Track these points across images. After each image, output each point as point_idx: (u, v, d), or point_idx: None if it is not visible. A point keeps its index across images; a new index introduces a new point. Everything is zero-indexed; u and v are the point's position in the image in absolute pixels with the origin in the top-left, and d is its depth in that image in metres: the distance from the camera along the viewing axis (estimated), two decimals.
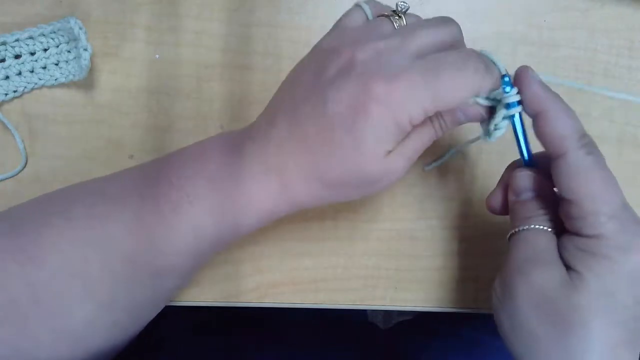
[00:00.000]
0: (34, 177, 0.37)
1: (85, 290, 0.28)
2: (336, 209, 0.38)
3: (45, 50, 0.37)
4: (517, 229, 0.29)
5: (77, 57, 0.36)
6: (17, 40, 0.36)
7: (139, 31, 0.38)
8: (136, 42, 0.38)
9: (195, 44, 0.38)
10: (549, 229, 0.29)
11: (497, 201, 0.32)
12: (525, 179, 0.30)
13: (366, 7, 0.31)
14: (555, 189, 0.29)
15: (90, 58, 0.35)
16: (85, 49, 0.35)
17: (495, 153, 0.39)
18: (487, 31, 0.39)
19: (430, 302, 0.39)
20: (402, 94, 0.26)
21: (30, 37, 0.36)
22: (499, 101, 0.28)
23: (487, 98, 0.28)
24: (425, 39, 0.28)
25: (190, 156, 0.31)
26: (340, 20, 0.31)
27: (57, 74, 0.37)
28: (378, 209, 0.38)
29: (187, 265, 0.30)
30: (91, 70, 0.37)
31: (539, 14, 0.39)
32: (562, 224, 0.28)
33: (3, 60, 0.36)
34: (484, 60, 0.28)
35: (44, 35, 0.36)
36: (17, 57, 0.37)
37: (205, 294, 0.38)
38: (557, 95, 0.28)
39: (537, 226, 0.29)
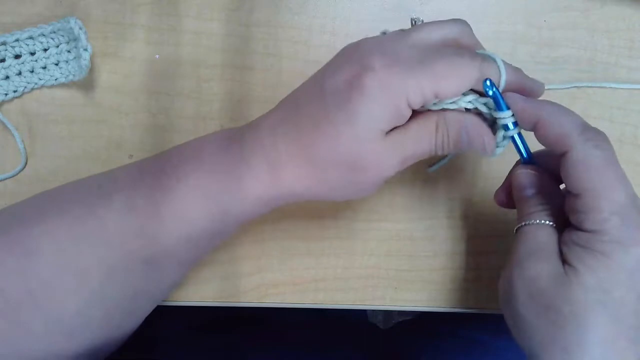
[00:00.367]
0: (34, 177, 0.37)
1: (78, 281, 0.28)
2: (336, 209, 0.38)
3: (45, 50, 0.37)
4: (520, 224, 0.30)
5: (77, 57, 0.36)
6: (17, 40, 0.36)
7: (139, 31, 0.38)
8: (136, 42, 0.38)
9: (195, 44, 0.38)
10: (550, 224, 0.29)
11: (502, 197, 0.32)
12: (524, 177, 0.30)
13: (388, 31, 0.31)
14: (562, 185, 0.30)
15: (90, 58, 0.35)
16: (85, 49, 0.35)
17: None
18: (486, 31, 0.39)
19: (430, 302, 0.39)
20: (399, 70, 0.26)
21: (30, 37, 0.36)
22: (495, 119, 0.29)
23: (488, 109, 0.29)
24: (428, 33, 0.28)
25: (186, 148, 0.31)
26: None
27: (57, 74, 0.37)
28: (378, 209, 0.38)
29: (182, 254, 0.30)
30: (91, 70, 0.37)
31: (539, 13, 0.39)
32: (566, 220, 0.29)
33: (3, 60, 0.36)
34: (482, 55, 0.28)
35: (44, 35, 0.36)
36: (17, 57, 0.37)
37: (205, 294, 0.38)
38: (545, 101, 0.29)
39: (538, 221, 0.29)
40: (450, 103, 0.28)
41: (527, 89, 0.29)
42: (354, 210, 0.38)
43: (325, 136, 0.27)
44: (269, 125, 0.29)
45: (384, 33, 0.31)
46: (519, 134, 0.30)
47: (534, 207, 0.30)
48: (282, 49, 0.38)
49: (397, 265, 0.38)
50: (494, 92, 0.28)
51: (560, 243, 0.28)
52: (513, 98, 0.29)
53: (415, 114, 0.28)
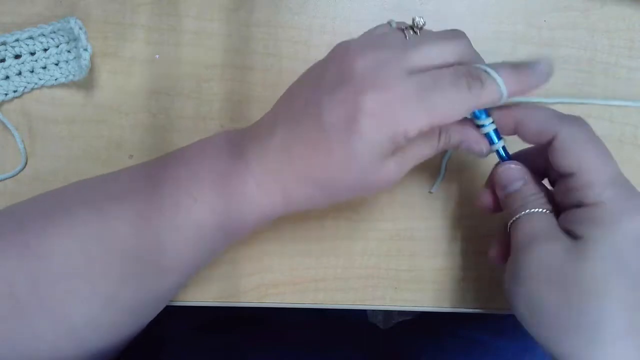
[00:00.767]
0: (34, 177, 0.37)
1: (88, 287, 0.28)
2: (336, 209, 0.38)
3: (45, 50, 0.37)
4: (514, 218, 0.30)
5: (77, 57, 0.36)
6: (17, 40, 0.36)
7: (139, 31, 0.38)
8: (136, 42, 0.38)
9: (195, 44, 0.38)
10: (546, 210, 0.30)
11: (487, 199, 0.33)
12: (508, 171, 0.31)
13: (393, 23, 0.31)
14: (543, 181, 0.31)
15: (90, 58, 0.35)
16: (85, 49, 0.35)
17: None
18: (486, 31, 0.39)
19: (430, 302, 0.39)
20: (394, 108, 0.26)
21: (30, 37, 0.36)
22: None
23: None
24: (428, 54, 0.28)
25: (192, 155, 0.31)
26: (368, 30, 0.31)
27: (57, 74, 0.37)
28: (378, 209, 0.38)
29: (189, 263, 0.31)
30: (91, 70, 0.37)
31: (539, 13, 0.39)
32: (556, 208, 0.30)
33: (3, 60, 0.36)
34: (480, 77, 0.28)
35: (44, 35, 0.36)
36: (17, 57, 0.37)
37: (205, 294, 0.38)
38: (517, 104, 0.30)
39: (532, 210, 0.30)
40: None
41: (530, 88, 0.29)
42: (354, 210, 0.38)
43: (328, 165, 0.28)
44: (276, 148, 0.29)
45: (389, 23, 0.31)
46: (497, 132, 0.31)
47: (525, 198, 0.30)
48: (282, 49, 0.38)
49: (397, 265, 0.38)
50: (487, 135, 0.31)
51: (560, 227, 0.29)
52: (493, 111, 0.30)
53: None
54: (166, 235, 0.29)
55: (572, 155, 0.28)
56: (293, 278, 0.38)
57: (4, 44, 0.36)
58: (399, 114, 0.26)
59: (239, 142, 0.30)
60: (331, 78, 0.28)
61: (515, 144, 0.32)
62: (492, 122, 0.30)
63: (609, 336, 0.26)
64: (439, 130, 0.30)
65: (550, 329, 0.27)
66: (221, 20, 0.38)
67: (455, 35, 0.29)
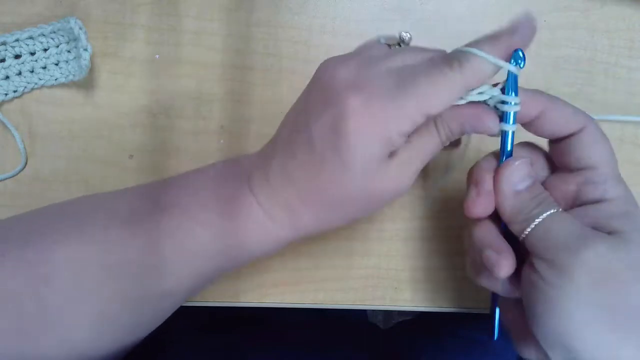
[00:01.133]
0: (34, 177, 0.37)
1: (95, 311, 0.28)
2: None
3: (45, 50, 0.37)
4: (535, 223, 0.27)
5: (77, 57, 0.36)
6: (17, 40, 0.36)
7: (139, 31, 0.38)
8: (136, 42, 0.38)
9: (195, 44, 0.38)
10: (561, 210, 0.28)
11: (483, 206, 0.29)
12: (522, 166, 0.29)
13: (382, 39, 0.31)
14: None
15: (90, 58, 0.35)
16: (85, 49, 0.35)
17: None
18: (487, 31, 0.39)
19: (430, 302, 0.39)
20: (377, 104, 0.26)
21: (30, 37, 0.36)
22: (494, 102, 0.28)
23: (481, 96, 0.28)
24: (407, 55, 0.27)
25: (196, 180, 0.31)
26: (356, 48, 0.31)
27: (57, 74, 0.37)
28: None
29: (189, 286, 0.31)
30: (91, 70, 0.37)
31: (539, 14, 0.39)
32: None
33: (3, 60, 0.36)
34: (459, 57, 0.27)
35: (44, 35, 0.36)
36: (17, 57, 0.37)
37: (205, 294, 0.38)
38: (540, 93, 0.29)
39: (554, 210, 0.27)
40: None
41: (518, 46, 0.29)
42: None
43: (329, 180, 0.27)
44: (275, 175, 0.29)
45: (378, 39, 0.30)
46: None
47: (541, 198, 0.28)
48: (282, 49, 0.38)
49: (397, 265, 0.38)
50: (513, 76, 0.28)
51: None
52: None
53: None
54: (169, 259, 0.29)
55: (600, 148, 0.28)
56: (293, 278, 0.38)
57: (4, 44, 0.36)
58: (384, 110, 0.26)
59: (241, 169, 0.30)
60: (315, 95, 0.28)
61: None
62: (518, 104, 0.28)
63: None
64: (435, 122, 0.28)
65: (584, 340, 0.25)
66: (221, 20, 0.38)
67: (437, 49, 0.29)
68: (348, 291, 0.38)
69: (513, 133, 0.29)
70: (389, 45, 0.29)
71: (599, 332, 0.25)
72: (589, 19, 0.39)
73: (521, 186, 0.28)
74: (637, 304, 0.25)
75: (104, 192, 0.32)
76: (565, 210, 0.28)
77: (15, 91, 0.37)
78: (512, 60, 0.28)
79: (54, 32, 0.36)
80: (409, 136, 0.28)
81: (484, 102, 0.28)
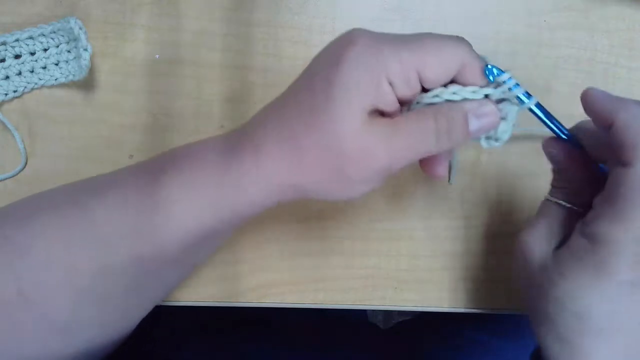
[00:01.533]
0: (34, 177, 0.37)
1: (69, 278, 0.28)
2: (336, 209, 0.38)
3: (45, 50, 0.37)
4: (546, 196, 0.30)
5: (77, 57, 0.36)
6: (17, 40, 0.36)
7: (139, 31, 0.38)
8: (136, 42, 0.38)
9: (195, 44, 0.38)
10: (562, 203, 0.29)
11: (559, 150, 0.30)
12: (547, 149, 0.30)
13: None
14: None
15: (90, 58, 0.35)
16: (85, 49, 0.35)
17: (495, 153, 0.39)
18: (486, 31, 0.39)
19: (430, 302, 0.39)
20: (381, 43, 0.25)
21: (30, 37, 0.36)
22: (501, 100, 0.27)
23: (476, 95, 0.27)
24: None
25: (182, 149, 0.31)
26: None
27: (57, 74, 0.37)
28: (378, 209, 0.38)
29: (175, 254, 0.29)
30: (91, 70, 0.37)
31: (539, 14, 0.39)
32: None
33: (3, 60, 0.36)
34: (471, 47, 0.27)
35: (44, 35, 0.36)
36: (17, 57, 0.37)
37: (205, 294, 0.38)
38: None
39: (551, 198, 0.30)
40: (434, 97, 0.27)
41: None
42: (354, 210, 0.38)
43: (307, 119, 0.26)
44: (261, 120, 0.29)
45: None
46: (539, 105, 0.28)
47: (553, 182, 0.30)
48: (282, 49, 0.38)
49: (397, 265, 0.38)
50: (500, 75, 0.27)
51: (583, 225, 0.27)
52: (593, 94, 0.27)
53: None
54: (148, 227, 0.28)
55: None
56: (293, 278, 0.38)
57: (4, 44, 0.36)
58: (384, 49, 0.25)
59: (232, 135, 0.30)
60: (324, 49, 0.28)
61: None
62: (512, 78, 0.27)
63: None
64: (433, 114, 0.26)
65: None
66: (221, 20, 0.38)
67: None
68: (348, 291, 0.38)
69: (538, 104, 0.28)
70: None
71: None
72: (589, 19, 0.39)
73: (553, 164, 0.30)
74: None
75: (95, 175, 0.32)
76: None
77: (15, 91, 0.37)
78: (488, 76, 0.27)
79: (54, 32, 0.36)
80: (404, 119, 0.27)
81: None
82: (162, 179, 0.29)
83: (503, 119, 0.28)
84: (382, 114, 0.27)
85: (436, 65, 0.26)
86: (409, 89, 0.26)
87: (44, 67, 0.37)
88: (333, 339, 0.56)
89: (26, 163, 0.37)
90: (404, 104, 0.27)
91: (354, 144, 0.26)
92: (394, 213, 0.39)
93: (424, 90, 0.27)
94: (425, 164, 0.30)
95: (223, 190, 0.28)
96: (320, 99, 0.26)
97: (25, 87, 0.37)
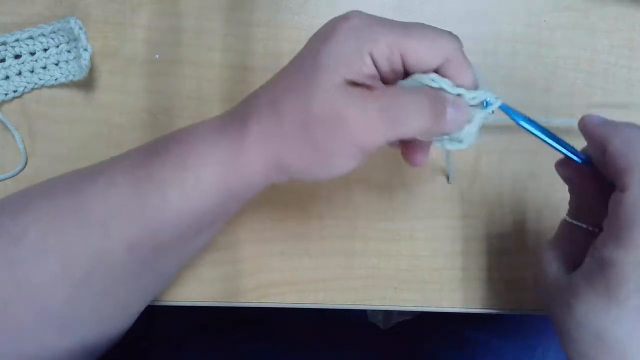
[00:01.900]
0: (34, 177, 0.37)
1: (63, 266, 0.28)
2: (336, 209, 0.38)
3: (45, 50, 0.37)
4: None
5: (77, 57, 0.36)
6: (17, 40, 0.36)
7: (139, 31, 0.38)
8: (136, 42, 0.38)
9: (195, 44, 0.38)
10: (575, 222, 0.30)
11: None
12: (560, 170, 0.30)
13: None
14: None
15: (90, 58, 0.35)
16: (85, 49, 0.35)
17: (495, 153, 0.39)
18: (486, 31, 0.39)
19: (430, 302, 0.39)
20: (372, 20, 0.26)
21: (30, 37, 0.36)
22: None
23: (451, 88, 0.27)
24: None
25: (180, 134, 0.30)
26: None
27: (57, 74, 0.37)
28: (378, 209, 0.38)
29: (170, 242, 0.29)
30: (91, 70, 0.37)
31: (538, 14, 0.39)
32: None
33: (3, 60, 0.36)
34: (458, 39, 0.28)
35: (44, 35, 0.36)
36: (17, 57, 0.37)
37: (205, 294, 0.38)
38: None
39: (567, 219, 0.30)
40: (413, 81, 0.27)
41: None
42: (354, 210, 0.38)
43: (292, 89, 0.27)
44: (251, 98, 0.29)
45: None
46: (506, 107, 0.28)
47: (570, 202, 0.31)
48: (282, 49, 0.38)
49: (397, 265, 0.38)
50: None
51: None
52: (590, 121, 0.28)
53: None
54: (139, 210, 0.28)
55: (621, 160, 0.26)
56: (293, 278, 0.38)
57: (4, 44, 0.36)
58: (374, 25, 0.26)
59: (231, 111, 0.30)
60: (322, 29, 0.28)
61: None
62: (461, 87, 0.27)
63: None
64: (417, 94, 0.27)
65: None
66: (221, 20, 0.38)
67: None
68: (348, 291, 0.38)
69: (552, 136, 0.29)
70: None
71: None
72: (589, 19, 0.39)
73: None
74: None
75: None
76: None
77: (15, 91, 0.37)
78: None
79: (54, 32, 0.36)
80: (382, 91, 0.27)
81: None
82: (155, 162, 0.28)
83: (469, 121, 0.28)
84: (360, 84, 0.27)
85: (420, 51, 0.26)
86: (390, 69, 0.27)
87: (44, 67, 0.37)
88: (333, 339, 0.56)
89: (26, 163, 0.37)
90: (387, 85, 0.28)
91: (325, 107, 0.26)
92: (394, 213, 0.38)
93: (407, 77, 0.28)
94: (406, 151, 0.30)
95: (213, 169, 0.28)
96: (306, 68, 0.26)
97: (25, 87, 0.37)
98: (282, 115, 0.27)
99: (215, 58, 0.38)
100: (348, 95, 0.26)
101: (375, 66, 0.26)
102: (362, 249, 0.38)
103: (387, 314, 0.62)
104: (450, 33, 0.27)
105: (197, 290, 0.38)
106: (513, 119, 0.29)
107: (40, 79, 0.37)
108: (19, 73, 0.37)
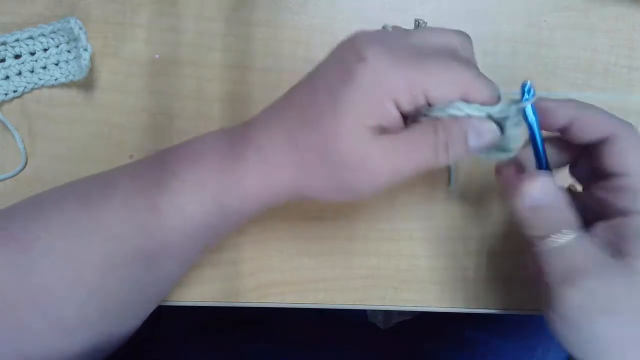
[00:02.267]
0: (34, 177, 0.37)
1: (75, 276, 0.28)
2: (336, 209, 0.38)
3: (45, 50, 0.37)
4: (548, 245, 0.28)
5: (77, 57, 0.36)
6: (17, 40, 0.36)
7: (139, 31, 0.38)
8: (136, 42, 0.38)
9: (195, 44, 0.38)
10: (579, 233, 0.28)
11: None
12: (544, 185, 0.28)
13: (388, 27, 0.31)
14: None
15: (90, 58, 0.35)
16: (85, 49, 0.35)
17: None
18: (486, 31, 0.39)
19: (430, 302, 0.39)
20: (392, 61, 0.26)
21: (30, 37, 0.36)
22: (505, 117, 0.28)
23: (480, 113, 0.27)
24: (429, 35, 0.28)
25: (185, 146, 0.31)
26: None
27: (57, 74, 0.37)
28: (378, 209, 0.38)
29: (180, 250, 0.30)
30: (91, 70, 0.37)
31: (538, 14, 0.39)
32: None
33: (3, 60, 0.36)
34: (479, 71, 0.27)
35: (44, 35, 0.36)
36: (17, 57, 0.37)
37: (205, 294, 0.38)
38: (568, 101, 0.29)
39: (569, 235, 0.27)
40: (438, 111, 0.27)
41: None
42: (354, 210, 0.38)
43: (311, 126, 0.27)
44: (264, 120, 0.29)
45: (384, 27, 0.30)
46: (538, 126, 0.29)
47: (558, 220, 0.28)
48: (282, 49, 0.38)
49: (397, 265, 0.38)
50: (532, 93, 0.27)
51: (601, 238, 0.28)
52: (548, 102, 0.29)
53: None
54: (153, 223, 0.28)
55: (634, 155, 0.27)
56: (293, 278, 0.38)
57: (4, 44, 0.36)
58: (394, 69, 0.25)
59: (235, 132, 0.30)
60: (332, 54, 0.28)
61: None
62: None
63: None
64: (434, 126, 0.27)
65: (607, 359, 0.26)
66: (221, 20, 0.38)
67: (459, 30, 0.29)
68: (348, 291, 0.38)
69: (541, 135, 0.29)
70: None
71: (581, 355, 0.27)
72: (589, 19, 0.39)
73: (541, 202, 0.28)
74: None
75: (96, 173, 0.32)
76: (592, 221, 0.29)
77: (15, 91, 0.37)
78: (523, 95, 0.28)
79: (54, 32, 0.36)
80: (402, 130, 0.27)
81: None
82: (166, 181, 0.29)
83: (502, 134, 0.28)
84: (385, 129, 0.27)
85: (442, 87, 0.26)
86: (413, 108, 0.27)
87: (44, 67, 0.37)
88: (333, 339, 0.56)
89: (26, 163, 0.37)
90: (408, 117, 0.28)
91: (357, 157, 0.26)
92: (394, 213, 0.39)
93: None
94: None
95: (226, 191, 0.28)
96: (326, 112, 0.26)
97: (25, 87, 0.37)
98: (307, 160, 0.27)
99: (215, 58, 0.38)
100: (375, 144, 0.26)
101: (398, 108, 0.26)
102: (362, 249, 0.38)
103: (387, 314, 0.62)
104: (465, 61, 0.27)
105: (197, 290, 0.38)
106: (526, 118, 0.28)
107: (40, 79, 0.37)
108: (19, 73, 0.37)
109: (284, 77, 0.38)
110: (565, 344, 0.27)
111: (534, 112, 0.28)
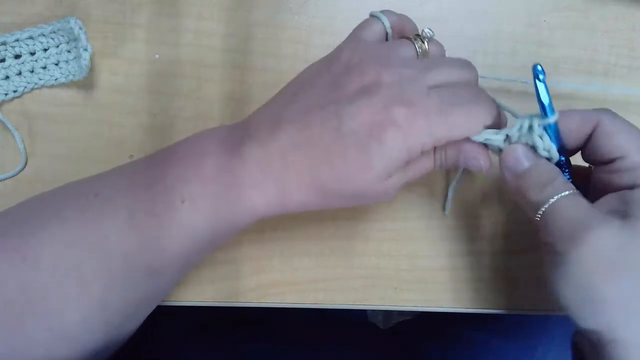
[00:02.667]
0: (34, 177, 0.37)
1: (79, 290, 0.28)
2: (336, 209, 0.38)
3: (45, 50, 0.37)
4: (545, 206, 0.28)
5: (77, 57, 0.36)
6: (17, 40, 0.36)
7: (139, 31, 0.38)
8: (136, 42, 0.38)
9: (195, 44, 0.38)
10: (574, 191, 0.28)
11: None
12: (517, 149, 0.30)
13: (385, 20, 0.31)
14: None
15: (90, 58, 0.35)
16: (85, 49, 0.35)
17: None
18: (486, 31, 0.39)
19: (430, 302, 0.39)
20: (419, 121, 0.27)
21: (30, 37, 0.36)
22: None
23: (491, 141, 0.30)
24: (443, 76, 0.29)
25: (186, 152, 0.30)
26: (357, 31, 0.31)
27: (57, 74, 0.37)
28: (378, 209, 0.38)
29: (181, 264, 0.31)
30: (91, 70, 0.37)
31: (538, 13, 0.39)
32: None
33: (3, 60, 0.36)
34: (492, 101, 0.30)
35: (44, 35, 0.36)
36: (17, 57, 0.37)
37: (205, 294, 0.38)
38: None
39: (565, 192, 0.28)
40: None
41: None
42: (354, 210, 0.38)
43: (338, 173, 0.28)
44: (279, 149, 0.28)
45: (423, 32, 0.31)
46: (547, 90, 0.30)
47: (552, 179, 0.29)
48: (282, 49, 0.38)
49: (397, 265, 0.38)
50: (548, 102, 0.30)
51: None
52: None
53: None
54: (156, 238, 0.29)
55: (624, 136, 0.29)
56: (293, 278, 0.38)
57: (4, 44, 0.36)
58: (422, 127, 0.27)
59: (236, 140, 0.30)
60: (353, 87, 0.28)
61: None
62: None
63: None
64: (434, 148, 0.30)
65: (615, 316, 0.26)
66: (221, 20, 0.38)
67: (465, 63, 0.31)
68: (348, 291, 0.38)
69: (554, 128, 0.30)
70: (411, 40, 0.31)
71: (585, 319, 0.27)
72: (589, 19, 0.39)
73: (521, 167, 0.29)
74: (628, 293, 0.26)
75: (93, 175, 0.32)
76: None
77: (15, 91, 0.37)
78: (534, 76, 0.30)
79: (54, 32, 0.36)
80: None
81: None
82: (168, 199, 0.29)
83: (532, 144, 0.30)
84: None
85: (464, 132, 0.29)
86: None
87: (44, 67, 0.37)
88: (333, 339, 0.56)
89: (26, 163, 0.37)
90: None
91: (377, 192, 0.29)
92: (394, 213, 0.39)
93: None
94: None
95: (230, 205, 0.29)
96: (358, 169, 0.28)
97: (25, 87, 0.37)
98: (327, 192, 0.29)
99: (215, 58, 0.38)
100: (391, 180, 0.29)
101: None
102: (362, 249, 0.38)
103: (387, 314, 0.62)
104: (487, 100, 0.30)
105: (197, 290, 0.38)
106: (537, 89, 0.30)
107: (40, 79, 0.37)
108: (19, 73, 0.37)
109: (284, 77, 0.38)
110: (571, 309, 0.27)
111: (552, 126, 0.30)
